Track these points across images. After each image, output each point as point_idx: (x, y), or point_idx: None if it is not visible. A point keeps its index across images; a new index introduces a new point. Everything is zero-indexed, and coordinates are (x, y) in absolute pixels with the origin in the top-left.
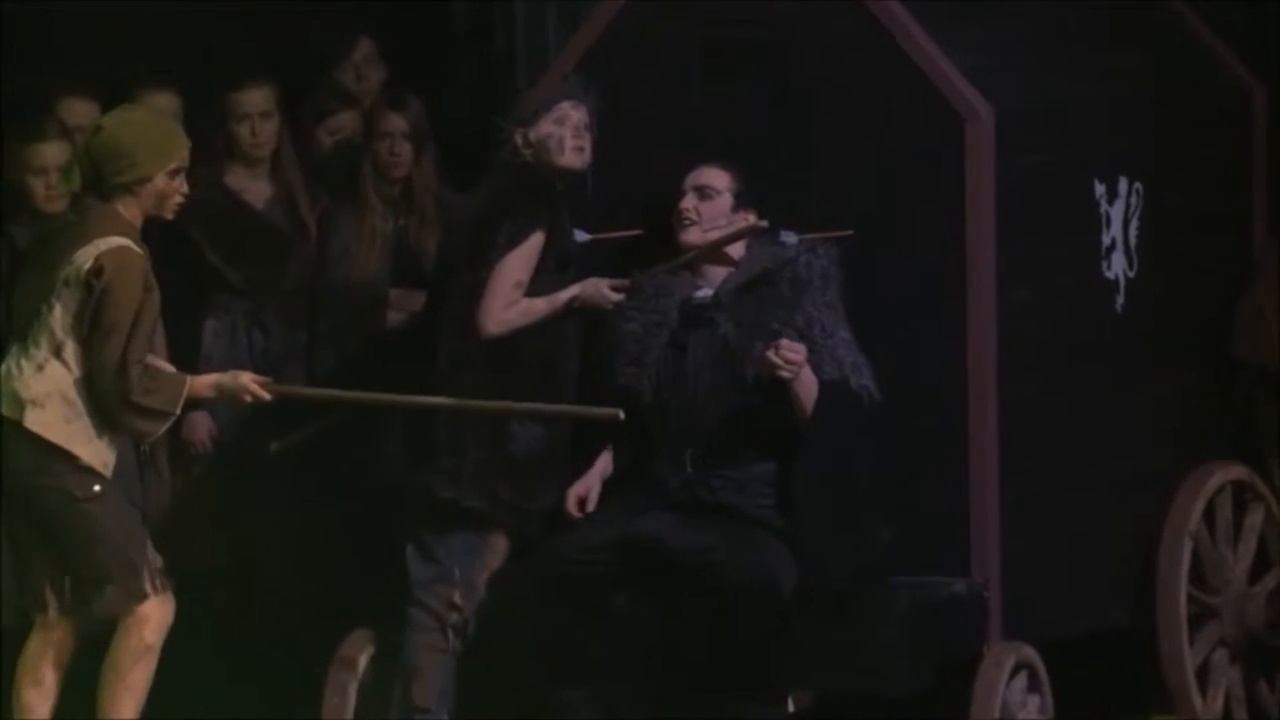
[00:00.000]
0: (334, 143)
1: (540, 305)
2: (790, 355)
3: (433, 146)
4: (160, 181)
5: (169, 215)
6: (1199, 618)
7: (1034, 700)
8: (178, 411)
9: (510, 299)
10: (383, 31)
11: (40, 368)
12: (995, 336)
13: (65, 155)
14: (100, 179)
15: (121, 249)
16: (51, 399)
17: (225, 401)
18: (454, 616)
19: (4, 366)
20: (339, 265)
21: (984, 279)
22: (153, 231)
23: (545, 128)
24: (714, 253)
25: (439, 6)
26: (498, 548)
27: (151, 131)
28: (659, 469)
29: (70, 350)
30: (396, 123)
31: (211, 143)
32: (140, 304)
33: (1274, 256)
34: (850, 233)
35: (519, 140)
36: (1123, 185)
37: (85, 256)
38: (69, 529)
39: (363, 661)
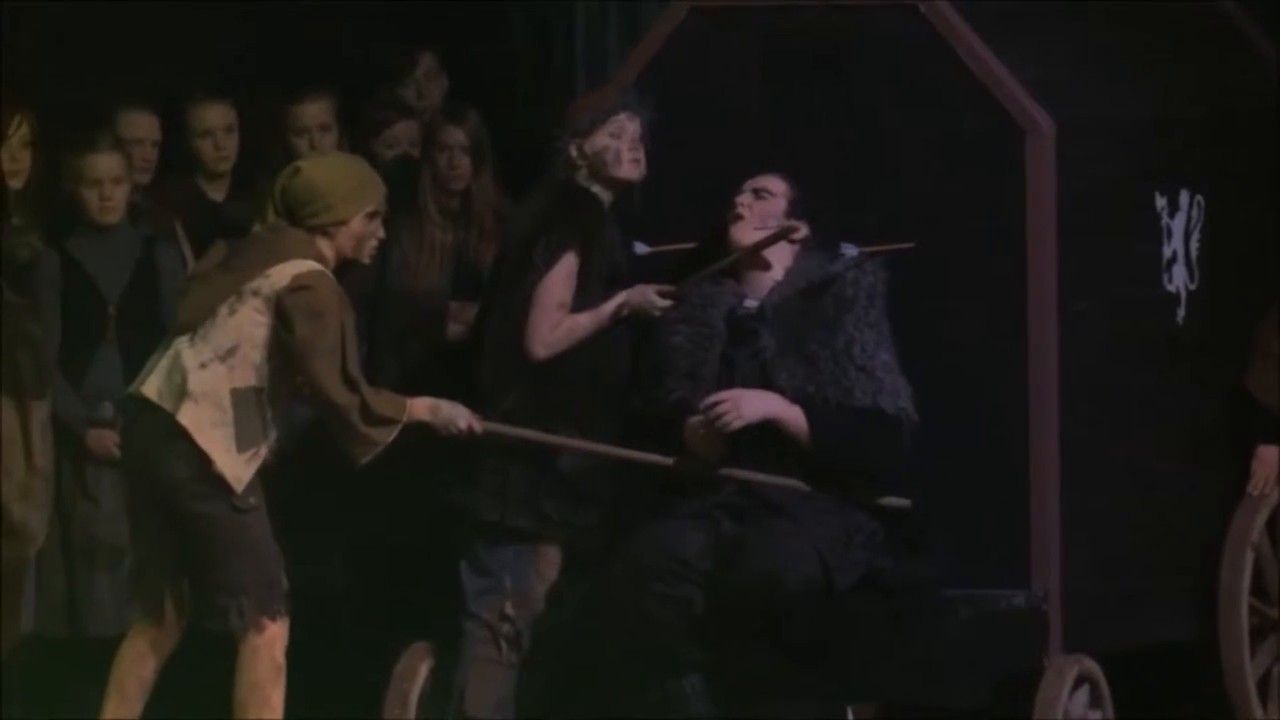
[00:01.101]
0: (394, 156)
1: (584, 321)
2: (717, 414)
3: (492, 159)
4: (357, 225)
5: (366, 259)
6: (1260, 630)
7: (1095, 714)
8: (405, 419)
9: (555, 320)
10: (443, 44)
11: (203, 365)
12: (1056, 348)
13: (119, 167)
14: (295, 220)
15: (319, 272)
16: (207, 398)
17: (440, 425)
18: (505, 627)
19: (165, 360)
20: (399, 277)
21: (1045, 291)
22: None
23: (601, 140)
24: (754, 255)
25: (499, 18)
26: (551, 558)
27: (348, 175)
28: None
29: (241, 357)
30: (456, 136)
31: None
32: (343, 323)
33: None
34: (911, 245)
35: (574, 152)
36: (1184, 198)
37: (281, 274)
38: (220, 539)
39: (423, 672)
